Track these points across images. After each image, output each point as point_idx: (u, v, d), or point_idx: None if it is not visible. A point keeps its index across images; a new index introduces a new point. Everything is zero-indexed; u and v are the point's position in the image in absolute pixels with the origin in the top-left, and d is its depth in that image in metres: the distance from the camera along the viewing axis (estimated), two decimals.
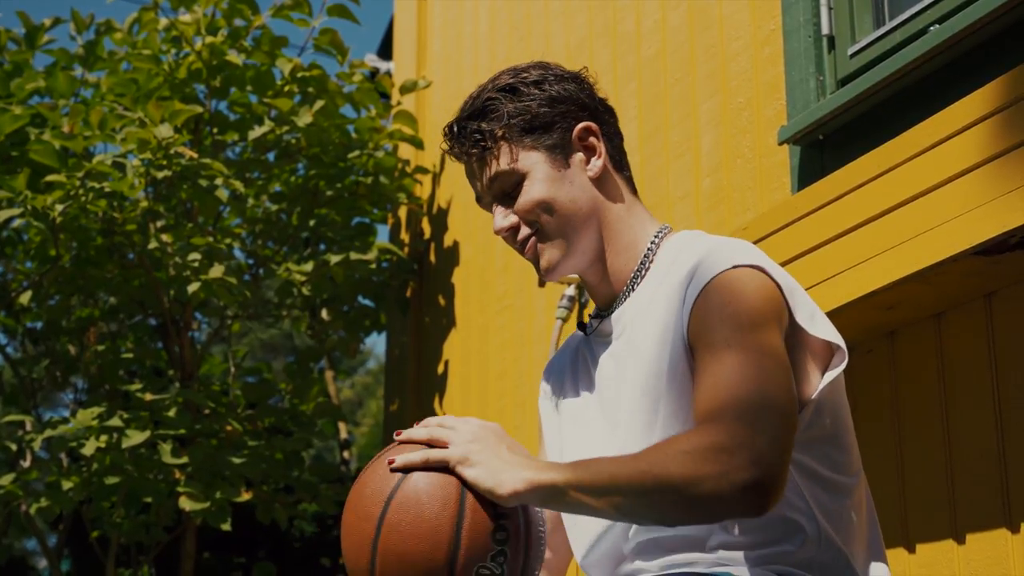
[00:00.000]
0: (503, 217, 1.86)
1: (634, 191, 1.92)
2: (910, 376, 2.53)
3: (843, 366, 1.76)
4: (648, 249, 1.86)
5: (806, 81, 2.84)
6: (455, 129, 1.88)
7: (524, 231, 1.85)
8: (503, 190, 1.86)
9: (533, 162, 1.84)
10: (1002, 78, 2.16)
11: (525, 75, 1.88)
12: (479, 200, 1.91)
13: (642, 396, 1.76)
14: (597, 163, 1.87)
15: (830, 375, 1.75)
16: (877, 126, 2.64)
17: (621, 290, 1.86)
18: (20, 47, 4.79)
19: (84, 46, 4.78)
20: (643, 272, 1.85)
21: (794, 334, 1.74)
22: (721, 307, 1.68)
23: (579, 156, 1.86)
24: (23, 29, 4.78)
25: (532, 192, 1.83)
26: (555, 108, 1.86)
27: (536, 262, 1.86)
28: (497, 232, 1.87)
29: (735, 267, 1.71)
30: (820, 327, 1.75)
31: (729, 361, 1.64)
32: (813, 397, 1.73)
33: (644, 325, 1.79)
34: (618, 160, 1.91)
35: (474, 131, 1.85)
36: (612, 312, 1.87)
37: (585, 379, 1.92)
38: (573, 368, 1.96)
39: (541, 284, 3.76)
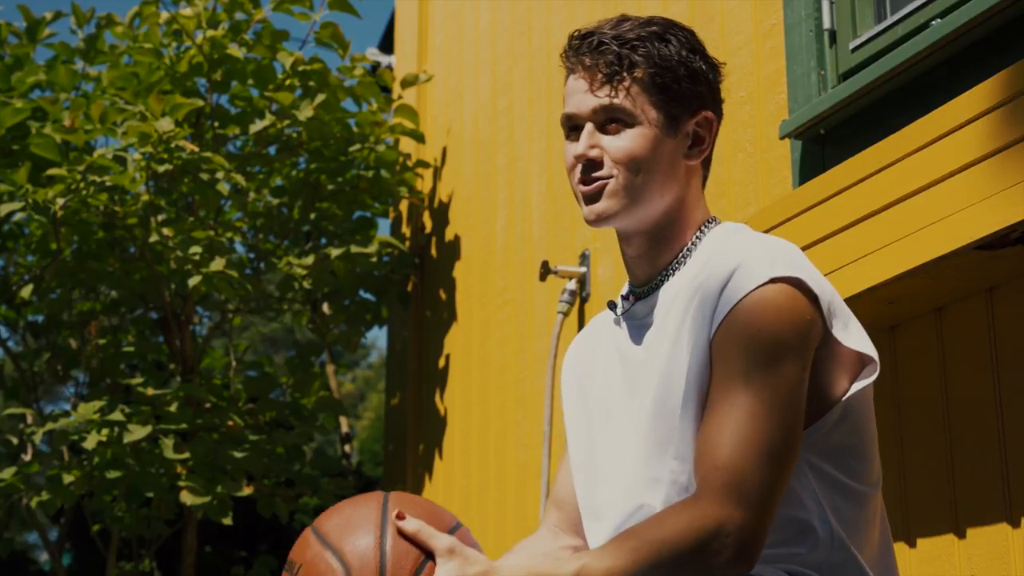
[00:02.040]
0: (589, 146, 1.81)
1: (703, 188, 1.90)
2: (911, 370, 2.53)
3: (873, 377, 1.75)
4: (696, 238, 1.85)
5: (807, 75, 2.84)
6: (595, 41, 1.83)
7: (604, 170, 1.80)
8: (604, 121, 1.81)
9: (650, 118, 1.80)
10: (1004, 72, 2.16)
11: (677, 33, 1.84)
12: (567, 119, 1.85)
13: (666, 388, 1.75)
14: (698, 155, 1.85)
15: (858, 385, 1.74)
16: (878, 121, 2.64)
17: (660, 273, 1.85)
18: (21, 41, 4.79)
19: (85, 40, 4.78)
20: (684, 261, 1.84)
21: (827, 343, 1.73)
22: (745, 334, 1.67)
23: (688, 139, 1.84)
24: (24, 23, 4.78)
25: (634, 143, 1.79)
26: (695, 85, 1.83)
27: (591, 202, 1.81)
28: (577, 156, 1.82)
29: (771, 281, 1.69)
30: (853, 338, 1.74)
31: (738, 403, 1.65)
32: (838, 405, 1.73)
33: (674, 319, 1.78)
34: (708, 160, 1.89)
35: (615, 53, 1.80)
36: (645, 294, 1.86)
37: (615, 362, 1.89)
38: (601, 351, 1.94)
39: (542, 278, 3.76)
